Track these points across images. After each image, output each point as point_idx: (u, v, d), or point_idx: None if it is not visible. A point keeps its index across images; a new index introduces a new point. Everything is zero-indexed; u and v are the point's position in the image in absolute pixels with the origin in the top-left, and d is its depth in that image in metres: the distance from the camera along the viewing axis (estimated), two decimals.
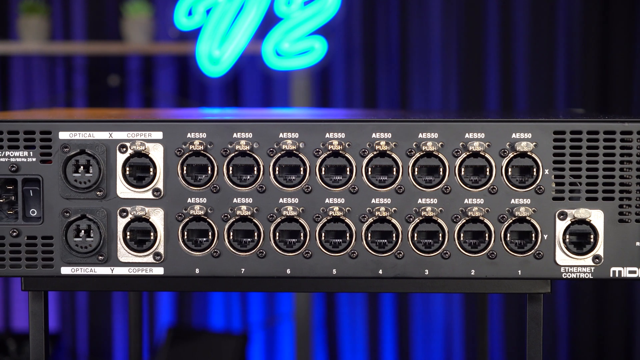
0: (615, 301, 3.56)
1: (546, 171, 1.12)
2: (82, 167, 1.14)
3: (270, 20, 3.16)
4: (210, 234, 1.15)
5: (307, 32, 3.15)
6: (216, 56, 3.15)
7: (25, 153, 1.14)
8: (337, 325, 3.69)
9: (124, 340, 3.74)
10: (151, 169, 1.14)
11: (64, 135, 1.14)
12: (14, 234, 1.15)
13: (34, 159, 1.14)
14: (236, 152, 1.14)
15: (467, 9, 3.60)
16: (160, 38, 3.54)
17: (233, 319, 3.71)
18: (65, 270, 1.15)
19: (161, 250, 1.15)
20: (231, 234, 1.15)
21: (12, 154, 1.14)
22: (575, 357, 3.62)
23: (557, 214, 1.13)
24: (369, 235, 1.14)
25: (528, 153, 1.12)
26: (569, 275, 1.14)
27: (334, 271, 1.15)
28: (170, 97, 3.66)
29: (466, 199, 1.13)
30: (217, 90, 3.67)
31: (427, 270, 1.14)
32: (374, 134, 1.13)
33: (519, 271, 1.14)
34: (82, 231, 1.15)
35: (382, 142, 1.13)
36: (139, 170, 1.15)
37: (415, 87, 3.62)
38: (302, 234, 1.14)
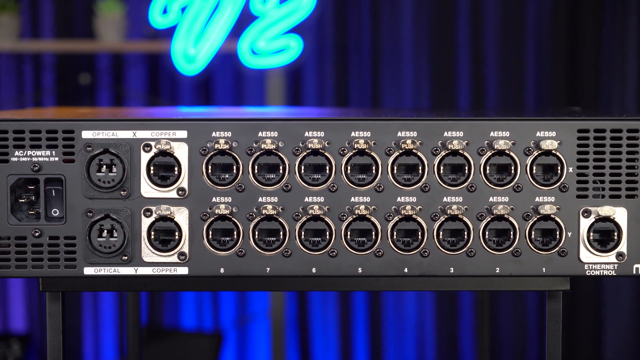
0: (585, 300, 3.60)
1: (570, 169, 1.13)
2: (105, 166, 1.13)
3: (245, 19, 3.15)
4: (235, 233, 1.14)
5: (282, 31, 3.14)
6: (192, 54, 3.13)
7: (48, 152, 1.13)
8: (309, 323, 3.69)
9: (93, 341, 3.71)
10: (176, 168, 1.13)
11: (87, 134, 1.13)
12: (36, 234, 1.13)
13: (57, 159, 1.13)
14: (261, 151, 1.13)
15: (438, 8, 3.61)
16: (132, 36, 3.52)
17: (205, 319, 3.69)
18: (88, 271, 1.14)
19: (186, 250, 1.14)
20: (256, 233, 1.14)
21: (34, 153, 1.13)
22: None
23: (581, 211, 1.14)
24: (395, 233, 1.14)
25: (552, 151, 1.13)
26: (593, 273, 1.15)
27: (360, 270, 1.15)
28: (141, 96, 3.63)
29: (491, 197, 1.14)
30: (188, 88, 3.65)
31: (452, 269, 1.15)
32: (399, 132, 1.13)
33: (543, 269, 1.15)
34: (106, 231, 1.14)
35: (408, 141, 1.13)
36: (163, 169, 1.14)
37: (387, 85, 3.63)
38: (327, 233, 1.14)
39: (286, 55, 3.16)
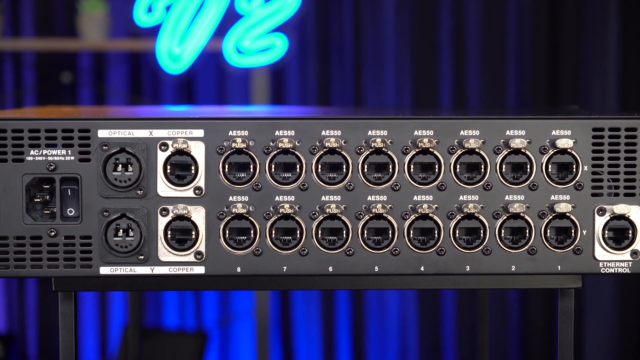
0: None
1: (585, 167, 1.14)
2: (121, 165, 1.12)
3: (230, 17, 3.15)
4: (251, 232, 1.14)
5: (267, 30, 3.14)
6: (176, 53, 3.12)
7: (64, 152, 1.12)
8: (291, 323, 3.69)
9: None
10: (192, 167, 1.13)
11: (103, 133, 1.12)
12: (52, 233, 1.13)
13: (72, 158, 1.12)
14: (278, 150, 1.13)
15: (420, 8, 3.62)
16: (115, 35, 3.50)
17: (187, 318, 3.68)
18: (104, 271, 1.14)
19: (202, 249, 1.14)
20: (273, 232, 1.14)
21: (49, 152, 1.12)
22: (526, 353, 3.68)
23: (595, 209, 1.15)
24: (411, 232, 1.15)
25: (568, 150, 1.14)
26: (607, 270, 1.16)
27: (376, 268, 1.15)
28: (123, 94, 3.62)
29: (507, 196, 1.15)
30: (170, 87, 3.64)
31: (468, 267, 1.15)
32: (416, 131, 1.14)
33: (559, 266, 1.15)
34: (122, 230, 1.13)
35: (425, 140, 1.13)
36: (179, 168, 1.13)
37: (369, 85, 3.64)
38: (344, 232, 1.14)
39: (271, 54, 3.16)
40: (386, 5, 3.62)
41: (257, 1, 3.12)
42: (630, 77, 3.57)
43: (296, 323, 3.69)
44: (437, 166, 1.14)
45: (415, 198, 1.14)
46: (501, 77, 3.62)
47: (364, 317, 3.68)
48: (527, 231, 1.15)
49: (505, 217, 1.15)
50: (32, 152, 1.12)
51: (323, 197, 1.14)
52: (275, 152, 1.13)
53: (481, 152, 1.14)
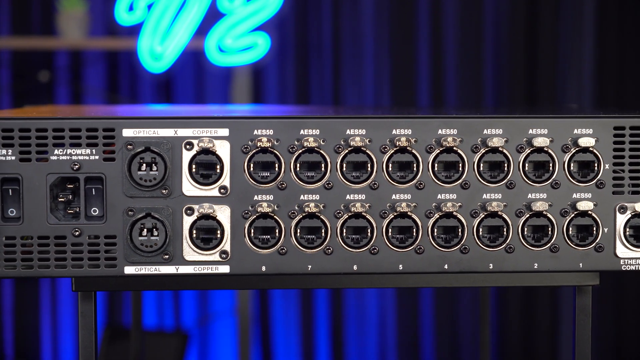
0: (543, 301, 3.65)
1: (606, 166, 1.15)
2: (146, 164, 1.12)
3: (212, 16, 3.14)
4: (276, 231, 1.14)
5: (250, 28, 3.14)
6: (158, 52, 3.11)
7: (88, 151, 1.11)
8: (270, 321, 3.69)
9: (51, 342, 3.66)
10: (217, 167, 1.13)
11: (127, 132, 1.12)
12: (76, 233, 1.12)
13: (97, 157, 1.12)
14: (303, 149, 1.13)
15: (399, 8, 3.64)
16: (93, 33, 3.48)
17: (166, 318, 3.67)
18: (129, 270, 1.13)
19: (227, 248, 1.14)
20: (298, 231, 1.14)
21: (74, 151, 1.11)
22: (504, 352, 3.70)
23: (617, 207, 1.16)
24: (435, 230, 1.15)
25: (589, 148, 1.15)
26: (628, 268, 1.17)
27: (400, 267, 1.15)
28: (100, 93, 3.59)
29: (529, 194, 1.15)
30: (149, 86, 3.62)
31: (491, 265, 1.16)
32: (440, 130, 1.14)
33: (580, 264, 1.16)
34: (146, 230, 1.13)
35: (449, 139, 1.14)
36: (204, 167, 1.13)
37: (348, 84, 3.64)
38: (368, 230, 1.15)
39: (253, 53, 3.16)
40: (365, 5, 3.63)
41: (239, 0, 3.12)
42: (605, 76, 3.61)
43: (275, 321, 3.69)
44: (460, 165, 1.15)
45: (439, 196, 1.15)
46: (479, 76, 3.64)
47: (342, 315, 3.68)
48: (550, 229, 1.16)
49: (528, 215, 1.15)
50: (56, 152, 1.11)
51: (348, 195, 1.14)
52: (300, 151, 1.13)
53: (504, 151, 1.15)
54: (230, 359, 3.69)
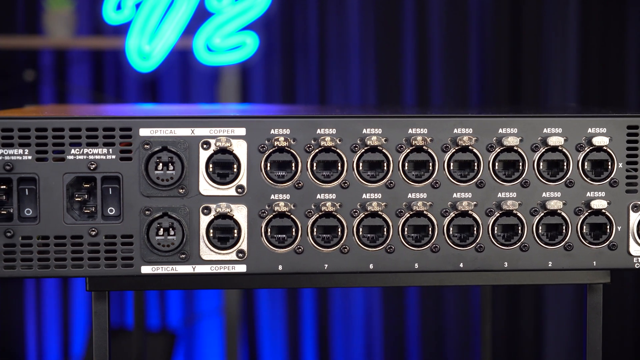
0: (527, 301, 3.67)
1: (620, 164, 1.16)
2: (162, 164, 1.12)
3: (201, 15, 3.13)
4: (293, 230, 1.14)
5: (238, 28, 3.13)
6: (146, 51, 3.10)
7: (105, 150, 1.11)
8: (257, 320, 3.69)
9: (36, 342, 3.64)
10: (235, 166, 1.13)
11: (144, 132, 1.12)
12: (93, 233, 1.12)
13: (114, 157, 1.11)
14: (320, 148, 1.13)
15: (384, 7, 3.64)
16: (80, 32, 3.46)
17: (151, 318, 3.66)
18: (146, 270, 1.13)
19: (244, 247, 1.14)
20: (314, 230, 1.14)
21: (90, 151, 1.11)
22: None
23: (630, 206, 1.17)
24: (450, 229, 1.16)
25: (603, 147, 1.16)
26: None
27: (416, 265, 1.16)
28: (86, 92, 3.58)
29: (544, 193, 1.16)
30: (134, 85, 3.61)
31: (506, 263, 1.17)
32: (455, 129, 1.15)
33: (594, 262, 1.17)
34: (163, 229, 1.12)
35: (465, 138, 1.14)
36: (221, 167, 1.13)
37: (333, 83, 3.64)
38: (385, 229, 1.15)
39: (241, 52, 3.15)
40: (350, 4, 3.63)
41: None
42: (589, 74, 3.63)
43: (261, 321, 3.69)
44: (476, 164, 1.15)
45: (454, 195, 1.15)
46: (464, 74, 3.66)
47: (329, 315, 3.68)
48: (564, 227, 1.17)
49: (543, 213, 1.16)
50: (72, 151, 1.11)
51: (364, 194, 1.15)
52: (317, 150, 1.13)
53: (519, 150, 1.15)
54: (217, 359, 3.68)
